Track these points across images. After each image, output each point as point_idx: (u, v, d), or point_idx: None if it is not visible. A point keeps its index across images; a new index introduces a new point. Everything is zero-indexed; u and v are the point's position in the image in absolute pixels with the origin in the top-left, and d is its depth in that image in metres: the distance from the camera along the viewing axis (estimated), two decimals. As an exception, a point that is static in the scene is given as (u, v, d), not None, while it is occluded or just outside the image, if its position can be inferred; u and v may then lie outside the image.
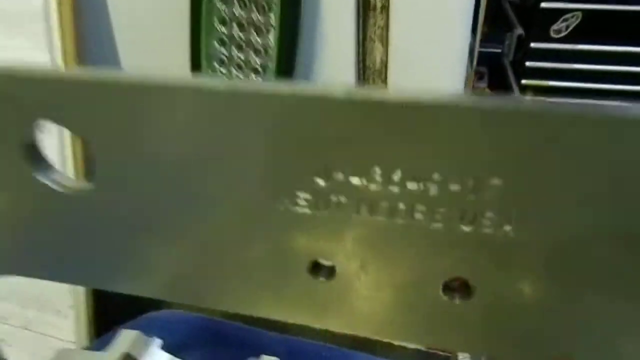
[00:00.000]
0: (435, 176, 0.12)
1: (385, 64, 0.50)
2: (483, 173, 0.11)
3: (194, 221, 0.15)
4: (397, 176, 0.12)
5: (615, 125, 0.10)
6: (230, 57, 0.45)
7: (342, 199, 0.13)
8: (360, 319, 0.15)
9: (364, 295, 0.14)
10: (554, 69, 0.61)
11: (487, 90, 0.65)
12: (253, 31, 0.43)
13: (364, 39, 0.48)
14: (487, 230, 0.12)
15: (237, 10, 0.42)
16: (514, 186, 0.11)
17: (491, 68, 0.66)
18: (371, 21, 0.48)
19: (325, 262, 0.15)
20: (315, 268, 0.15)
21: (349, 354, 0.43)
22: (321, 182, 0.12)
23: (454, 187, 0.12)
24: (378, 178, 0.12)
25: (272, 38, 0.41)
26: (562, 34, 0.59)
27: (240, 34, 0.43)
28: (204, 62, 0.46)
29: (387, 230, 0.13)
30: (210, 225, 0.15)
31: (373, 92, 0.10)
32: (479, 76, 0.64)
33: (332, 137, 0.11)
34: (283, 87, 0.11)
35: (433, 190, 0.12)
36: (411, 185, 0.12)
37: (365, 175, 0.12)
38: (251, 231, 0.14)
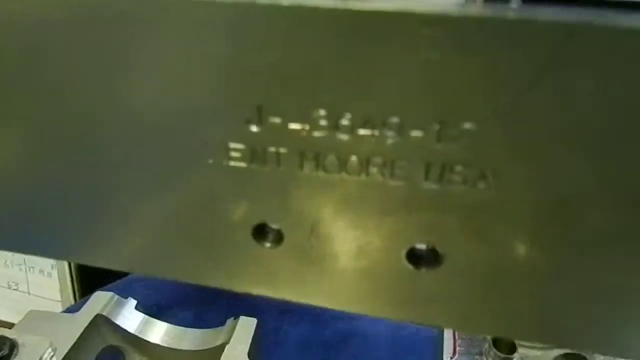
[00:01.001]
0: (393, 120, 0.09)
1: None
2: (452, 114, 0.09)
3: (125, 188, 0.13)
4: (345, 120, 0.09)
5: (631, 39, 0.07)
6: None
7: (282, 150, 0.10)
8: (314, 289, 0.13)
9: (316, 264, 0.12)
10: None
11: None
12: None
13: None
14: (456, 188, 0.10)
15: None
16: (490, 132, 0.09)
17: None
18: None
19: (272, 226, 0.12)
20: (261, 232, 0.12)
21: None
22: (254, 128, 0.10)
23: (416, 133, 0.09)
24: (322, 123, 0.10)
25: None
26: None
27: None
28: None
29: (337, 188, 0.10)
30: (142, 190, 0.13)
31: None
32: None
33: (261, 66, 0.09)
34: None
35: (390, 138, 0.09)
36: (363, 132, 0.09)
37: (307, 120, 0.10)
38: (187, 193, 0.12)
